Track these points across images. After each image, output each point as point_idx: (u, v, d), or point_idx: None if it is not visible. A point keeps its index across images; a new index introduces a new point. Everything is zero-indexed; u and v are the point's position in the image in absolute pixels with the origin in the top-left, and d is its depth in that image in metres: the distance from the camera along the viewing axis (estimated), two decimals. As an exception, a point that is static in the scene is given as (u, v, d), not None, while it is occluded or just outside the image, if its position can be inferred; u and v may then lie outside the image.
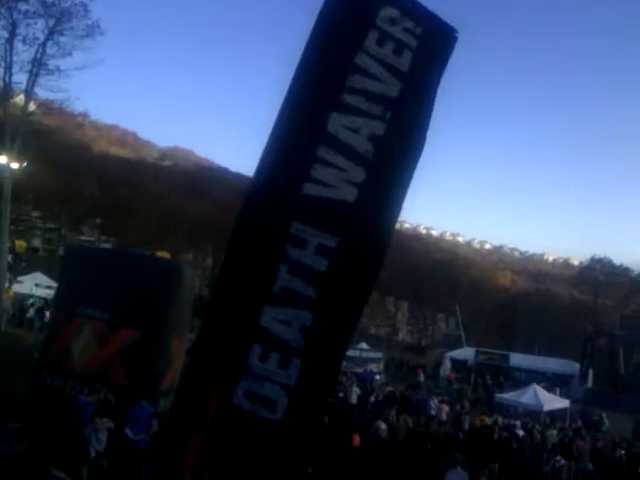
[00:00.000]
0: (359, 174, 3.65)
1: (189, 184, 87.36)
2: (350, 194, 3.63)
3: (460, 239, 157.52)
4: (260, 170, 3.78)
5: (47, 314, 28.39)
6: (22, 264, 47.59)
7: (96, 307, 14.19)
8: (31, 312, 33.42)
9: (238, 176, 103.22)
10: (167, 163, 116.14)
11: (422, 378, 39.27)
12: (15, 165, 29.30)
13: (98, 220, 75.82)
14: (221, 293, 3.81)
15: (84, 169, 72.18)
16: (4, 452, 10.21)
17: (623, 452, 19.46)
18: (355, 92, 3.70)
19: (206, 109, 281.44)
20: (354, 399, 24.58)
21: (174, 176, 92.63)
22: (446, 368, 46.37)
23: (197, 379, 3.66)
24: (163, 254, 42.48)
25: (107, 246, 62.30)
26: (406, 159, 3.75)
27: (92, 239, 70.60)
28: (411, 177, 3.77)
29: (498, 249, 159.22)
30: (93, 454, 10.42)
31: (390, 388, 29.95)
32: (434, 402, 25.73)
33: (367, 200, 3.64)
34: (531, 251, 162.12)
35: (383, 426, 17.27)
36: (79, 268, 15.01)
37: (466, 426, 21.86)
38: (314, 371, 3.65)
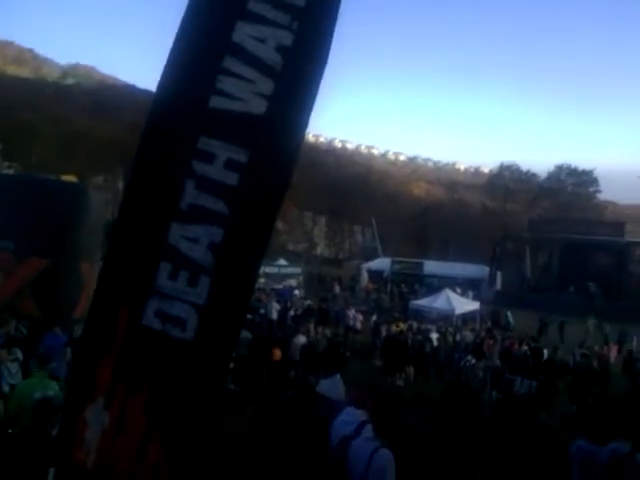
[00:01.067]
0: (267, 86, 3.50)
1: (94, 104, 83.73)
2: (259, 106, 3.48)
3: (375, 152, 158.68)
4: (163, 84, 3.57)
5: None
6: None
7: (0, 237, 13.63)
8: None
9: (146, 93, 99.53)
10: (69, 82, 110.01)
11: (337, 290, 40.20)
12: None
13: (-1, 145, 71.88)
14: (127, 212, 3.64)
15: (-20, 90, 67.84)
16: None
17: (527, 347, 20.77)
18: (260, 0, 3.52)
19: (107, 21, 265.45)
20: (274, 315, 24.93)
21: (77, 96, 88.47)
22: (363, 279, 47.60)
23: (105, 300, 3.53)
24: (69, 178, 40.87)
25: (9, 172, 59.39)
26: (314, 70, 3.61)
27: (-7, 165, 66.97)
28: (318, 88, 3.64)
29: (412, 160, 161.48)
30: (6, 388, 10.09)
31: (309, 302, 30.58)
32: (351, 313, 26.43)
33: (276, 112, 3.51)
34: (444, 161, 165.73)
35: (302, 339, 17.59)
36: (-21, 196, 14.22)
37: (383, 334, 22.62)
38: (225, 289, 3.55)
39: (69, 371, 10.17)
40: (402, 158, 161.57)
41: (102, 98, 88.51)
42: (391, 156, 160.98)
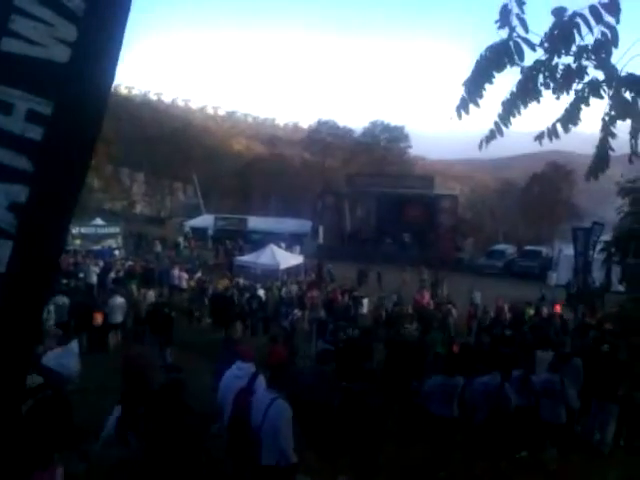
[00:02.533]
0: (70, 31, 3.12)
1: None
2: (61, 54, 3.11)
3: (193, 105, 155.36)
4: None
5: None
6: None
7: None
8: None
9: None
10: None
11: (159, 249, 39.32)
12: None
13: None
14: None
15: None
16: None
17: (348, 298, 21.72)
18: None
19: None
20: (94, 278, 23.92)
21: None
22: (186, 237, 46.91)
23: None
24: None
25: None
26: (118, 15, 3.30)
27: None
28: (123, 35, 3.35)
29: (231, 115, 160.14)
30: None
31: (130, 263, 29.63)
32: (176, 272, 26.02)
33: (81, 61, 3.17)
34: (262, 116, 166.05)
35: (119, 300, 17.09)
36: None
37: (210, 291, 22.54)
38: (30, 253, 3.16)
39: None
40: (221, 113, 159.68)
41: None
42: (210, 110, 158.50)
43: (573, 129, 3.19)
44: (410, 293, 24.86)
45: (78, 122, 3.22)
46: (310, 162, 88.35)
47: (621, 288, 7.15)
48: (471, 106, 3.09)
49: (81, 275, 23.69)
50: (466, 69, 3.07)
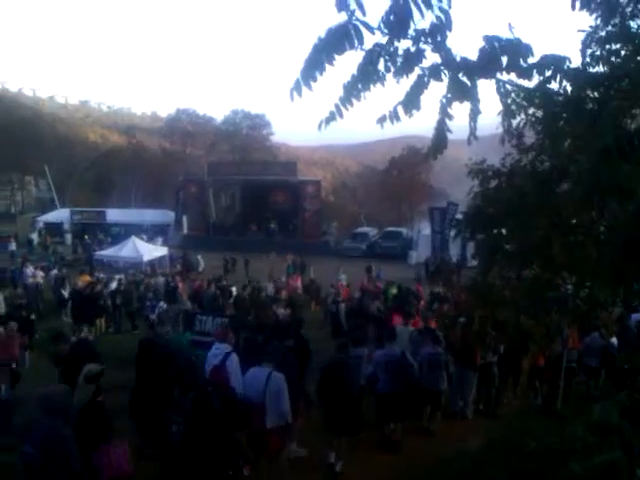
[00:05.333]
0: None
1: None
2: None
3: (41, 94, 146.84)
4: None
5: None
6: None
7: None
8: None
9: None
10: None
11: (14, 247, 37.19)
12: None
13: None
14: None
15: None
16: None
17: (215, 288, 21.53)
18: None
19: None
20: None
21: None
22: (40, 233, 44.65)
23: None
24: None
25: None
26: None
27: None
28: None
29: (84, 104, 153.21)
30: None
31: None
32: (30, 270, 24.67)
33: None
34: (118, 105, 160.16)
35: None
36: None
37: (68, 288, 21.61)
38: None
39: None
40: (72, 102, 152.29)
41: None
42: (60, 99, 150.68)
43: (428, 113, 3.29)
44: (278, 279, 24.98)
45: None
46: (170, 151, 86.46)
47: (476, 263, 7.54)
48: (304, 89, 3.08)
49: None
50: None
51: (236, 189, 49.03)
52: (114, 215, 47.49)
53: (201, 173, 50.44)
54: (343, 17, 2.88)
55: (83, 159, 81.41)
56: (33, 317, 16.40)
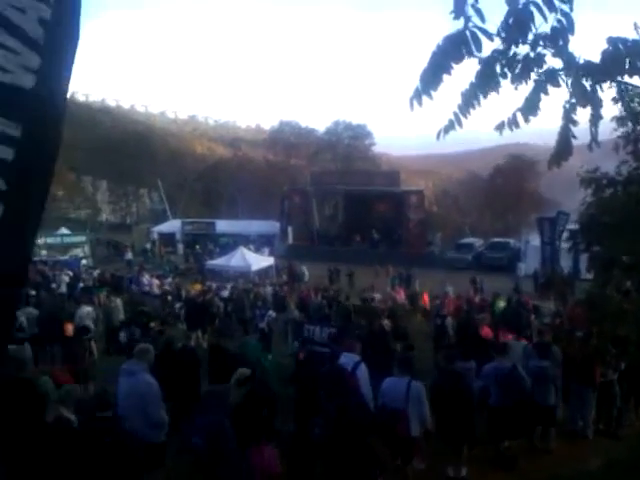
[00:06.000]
0: (34, 59, 3.32)
1: None
2: (28, 80, 3.31)
3: (152, 110, 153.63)
4: None
5: None
6: None
7: None
8: None
9: None
10: None
11: (130, 256, 38.94)
12: None
13: None
14: None
15: None
16: None
17: (321, 297, 21.70)
18: None
19: None
20: (64, 288, 23.65)
21: None
22: (154, 243, 46.49)
23: None
24: None
25: None
26: (72, 42, 3.56)
27: None
28: (74, 60, 3.59)
29: (192, 118, 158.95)
30: None
31: (98, 271, 29.34)
32: (146, 279, 25.82)
33: (44, 87, 3.38)
34: (223, 119, 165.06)
35: (85, 310, 16.92)
36: None
37: (182, 296, 22.40)
38: (5, 269, 3.30)
39: None
40: (181, 116, 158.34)
41: None
42: (170, 114, 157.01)
43: (533, 121, 3.25)
44: (383, 290, 24.88)
45: (43, 141, 3.41)
46: (274, 162, 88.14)
47: (590, 276, 7.27)
48: (425, 98, 3.10)
49: (53, 286, 23.39)
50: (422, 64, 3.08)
51: (339, 199, 49.23)
52: (223, 226, 48.82)
53: (304, 183, 51.04)
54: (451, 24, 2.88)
55: (192, 171, 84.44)
56: (153, 324, 17.11)
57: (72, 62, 3.61)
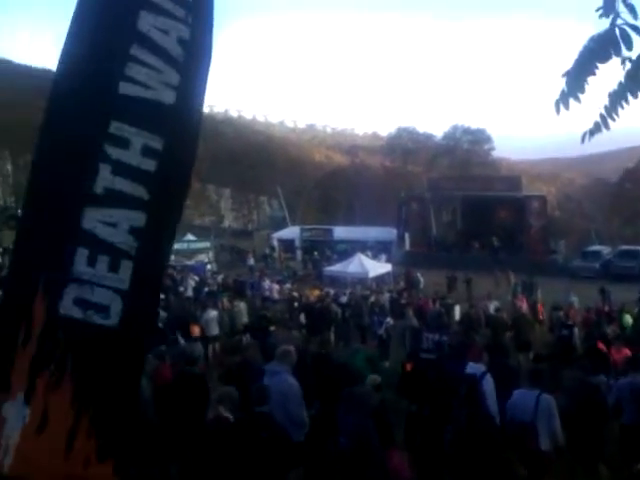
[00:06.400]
0: (174, 76, 3.64)
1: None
2: (168, 96, 3.63)
3: (272, 120, 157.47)
4: (66, 67, 3.55)
5: None
6: None
7: None
8: None
9: (24, 69, 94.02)
10: None
11: (252, 262, 40.01)
12: None
13: None
14: (33, 198, 3.58)
15: None
16: None
17: (439, 305, 21.38)
18: None
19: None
20: (190, 292, 24.66)
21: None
22: (274, 249, 47.56)
23: (17, 291, 3.44)
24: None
25: None
26: (207, 60, 3.87)
27: None
28: (208, 76, 3.90)
29: (311, 127, 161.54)
30: None
31: (222, 276, 30.35)
32: (267, 284, 26.45)
33: (183, 102, 3.69)
34: (341, 127, 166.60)
35: (212, 313, 17.52)
36: None
37: (300, 302, 22.75)
38: (146, 272, 3.58)
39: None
40: (300, 125, 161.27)
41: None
42: (289, 123, 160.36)
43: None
44: (503, 299, 24.20)
45: (182, 153, 3.73)
46: (391, 169, 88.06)
47: None
48: (571, 101, 3.00)
49: (181, 289, 24.44)
50: (538, 69, 2.96)
51: (457, 205, 48.34)
52: (341, 233, 49.08)
53: (422, 190, 50.62)
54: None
55: (310, 179, 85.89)
56: (272, 328, 17.54)
57: (206, 78, 3.86)
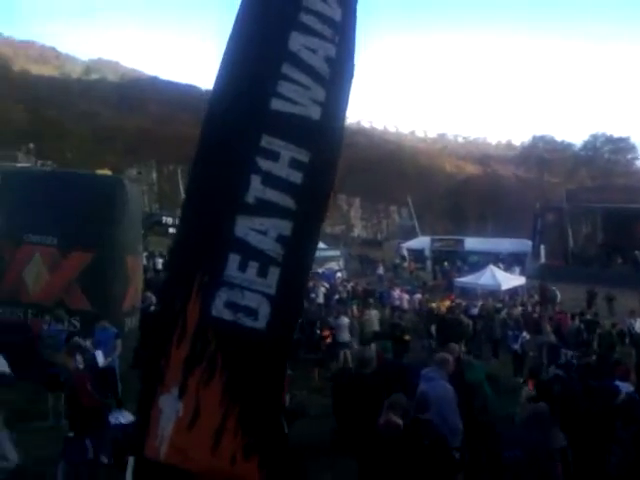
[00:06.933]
0: (321, 93, 3.83)
1: (119, 97, 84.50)
2: (315, 112, 3.82)
3: (403, 130, 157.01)
4: (222, 83, 3.86)
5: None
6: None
7: (42, 232, 13.74)
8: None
9: (170, 85, 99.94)
10: (93, 77, 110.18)
11: (382, 271, 40.07)
12: None
13: (31, 145, 72.85)
14: (190, 206, 3.93)
15: (5, 91, 68.77)
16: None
17: (579, 322, 20.41)
18: (310, 12, 3.83)
19: (125, 15, 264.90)
20: (321, 299, 25.10)
21: (102, 90, 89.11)
22: (404, 259, 47.41)
23: (174, 292, 3.73)
24: (104, 172, 41.24)
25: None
26: (350, 77, 4.02)
27: (28, 165, 67.42)
28: (350, 91, 4.06)
29: (442, 136, 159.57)
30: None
31: (352, 284, 30.63)
32: (396, 293, 26.43)
33: (329, 118, 3.87)
34: (473, 136, 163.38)
35: (344, 320, 17.70)
36: (20, 195, 14.41)
37: (430, 312, 22.52)
38: (292, 278, 3.75)
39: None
40: (431, 135, 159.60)
41: (126, 91, 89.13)
42: (420, 133, 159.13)
43: None
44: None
45: (326, 166, 3.93)
46: (526, 179, 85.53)
47: None
48: None
49: (312, 296, 24.95)
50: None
51: (597, 217, 46.20)
52: (472, 244, 48.08)
53: (559, 201, 48.74)
54: None
55: (441, 188, 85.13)
56: (407, 337, 17.52)
57: (349, 94, 4.05)
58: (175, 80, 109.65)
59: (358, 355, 10.13)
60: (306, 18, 3.82)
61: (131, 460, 3.78)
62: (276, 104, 3.75)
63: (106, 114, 74.32)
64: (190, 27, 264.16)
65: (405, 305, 25.77)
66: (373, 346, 13.13)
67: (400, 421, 5.56)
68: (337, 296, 25.81)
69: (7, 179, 17.01)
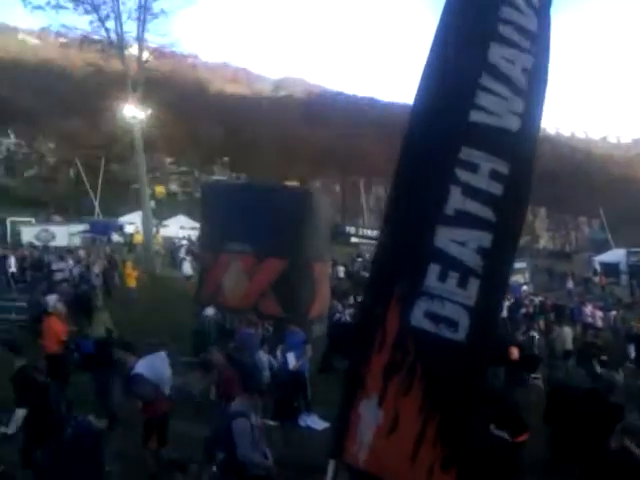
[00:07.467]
0: (519, 104, 3.82)
1: (305, 113, 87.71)
2: (514, 123, 3.80)
3: (594, 136, 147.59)
4: (422, 99, 3.94)
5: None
6: (163, 209, 49.79)
7: (240, 241, 14.65)
8: (182, 253, 32.82)
9: (353, 99, 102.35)
10: (281, 94, 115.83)
11: (571, 285, 37.92)
12: (141, 115, 30.42)
13: (226, 159, 77.98)
14: (391, 216, 4.00)
15: (204, 110, 73.99)
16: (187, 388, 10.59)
17: None
18: (507, 23, 3.84)
19: (310, 36, 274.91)
20: (505, 312, 24.33)
21: (290, 107, 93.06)
22: (595, 273, 44.57)
23: (374, 301, 3.83)
24: (292, 183, 42.89)
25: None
26: (545, 86, 4.00)
27: (224, 177, 72.15)
28: (545, 100, 4.02)
29: (637, 142, 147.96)
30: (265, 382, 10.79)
31: (540, 298, 29.29)
32: (588, 309, 24.90)
33: (527, 129, 3.84)
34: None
35: (537, 336, 16.98)
36: (218, 206, 15.47)
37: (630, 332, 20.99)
38: (491, 290, 3.71)
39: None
40: (625, 140, 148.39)
41: (312, 107, 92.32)
42: (612, 139, 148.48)
43: None
44: None
45: (524, 177, 3.89)
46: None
47: None
48: None
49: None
50: None
51: None
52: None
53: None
54: None
55: (636, 199, 78.86)
56: (604, 358, 16.41)
57: (544, 103, 4.01)
58: (356, 94, 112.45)
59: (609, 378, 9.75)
60: (505, 30, 3.83)
61: (332, 463, 3.90)
62: (475, 116, 3.77)
63: (293, 129, 77.54)
64: (368, 42, 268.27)
65: (599, 323, 24.15)
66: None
67: (636, 449, 5.29)
68: (524, 310, 24.82)
69: (207, 192, 18.36)
